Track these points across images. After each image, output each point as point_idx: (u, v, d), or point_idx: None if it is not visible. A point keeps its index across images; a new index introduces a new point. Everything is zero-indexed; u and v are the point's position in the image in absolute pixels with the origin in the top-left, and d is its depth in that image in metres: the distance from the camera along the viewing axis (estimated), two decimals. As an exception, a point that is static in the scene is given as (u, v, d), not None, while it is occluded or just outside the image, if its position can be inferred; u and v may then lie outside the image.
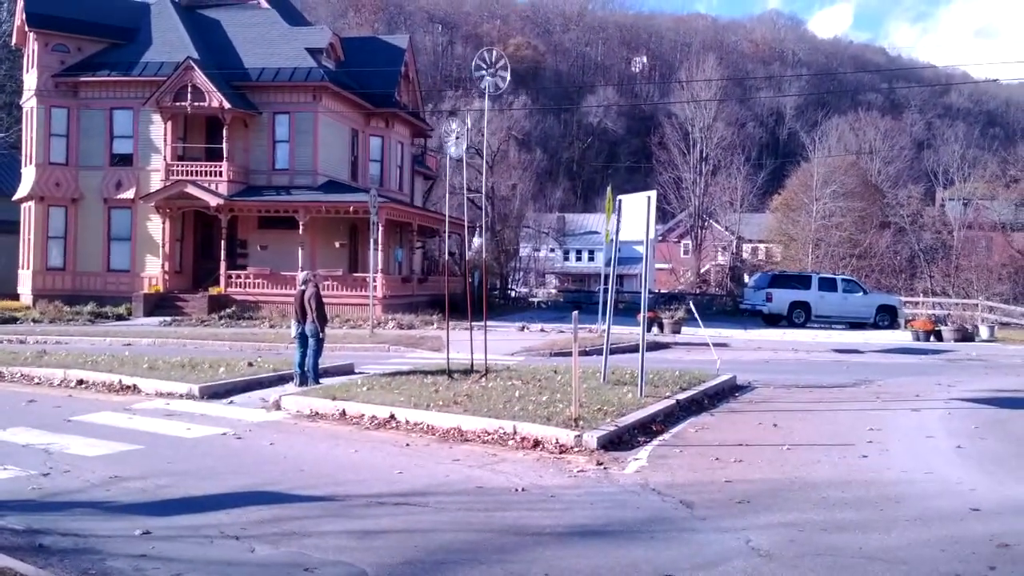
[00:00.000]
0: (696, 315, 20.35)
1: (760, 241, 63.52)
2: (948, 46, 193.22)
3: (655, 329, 26.21)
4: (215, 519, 6.58)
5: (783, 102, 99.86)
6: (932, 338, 26.23)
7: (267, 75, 32.04)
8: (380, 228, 28.12)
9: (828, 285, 32.50)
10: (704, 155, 59.65)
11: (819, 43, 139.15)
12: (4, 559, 5.39)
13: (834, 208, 52.13)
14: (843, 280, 33.69)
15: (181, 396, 12.60)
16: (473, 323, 16.04)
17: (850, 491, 7.58)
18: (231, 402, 12.37)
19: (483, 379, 13.08)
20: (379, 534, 6.32)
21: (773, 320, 32.10)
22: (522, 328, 27.16)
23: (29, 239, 32.33)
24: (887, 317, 32.01)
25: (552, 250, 73.54)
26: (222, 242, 30.59)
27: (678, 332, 26.31)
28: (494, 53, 14.49)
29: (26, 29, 32.40)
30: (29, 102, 32.90)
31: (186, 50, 31.59)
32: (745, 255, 64.21)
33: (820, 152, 57.29)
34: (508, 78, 14.53)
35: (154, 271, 31.62)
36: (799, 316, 31.83)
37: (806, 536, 6.24)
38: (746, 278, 46.67)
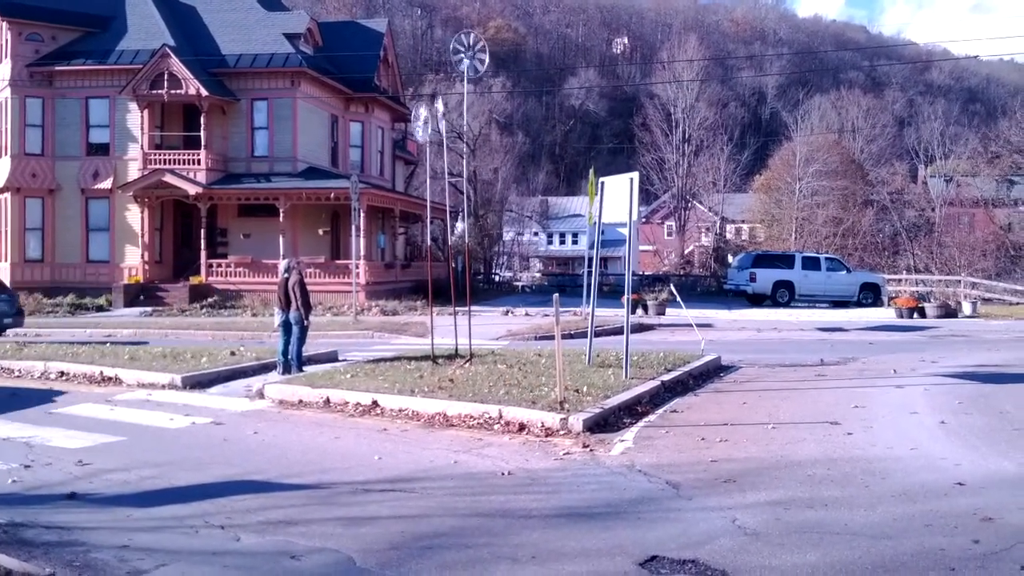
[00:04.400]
0: (678, 297, 20.41)
1: (744, 221, 63.53)
2: (944, 24, 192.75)
3: (640, 311, 26.27)
4: (200, 509, 6.53)
5: (765, 82, 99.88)
6: (915, 315, 26.39)
7: (244, 61, 31.70)
8: (362, 214, 27.97)
9: (811, 264, 32.65)
10: (687, 136, 59.59)
11: (800, 22, 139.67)
12: (-14, 554, 5.32)
13: (817, 187, 52.21)
14: (826, 259, 33.83)
15: (163, 386, 12.51)
16: (457, 308, 16.01)
17: (835, 468, 7.61)
18: (214, 392, 12.28)
19: (468, 364, 13.05)
20: (366, 520, 6.29)
21: (757, 300, 32.22)
22: (506, 312, 27.15)
23: (6, 231, 31.93)
24: (871, 295, 32.19)
25: (536, 234, 73.34)
26: (202, 231, 30.36)
27: (663, 313, 26.39)
28: (471, 36, 14.39)
29: (-2, 18, 31.90)
30: (3, 92, 32.37)
31: (162, 37, 31.21)
32: (729, 235, 64.25)
33: (802, 131, 57.37)
34: (487, 61, 14.48)
35: (134, 261, 31.34)
36: (783, 295, 31.96)
37: (792, 514, 6.25)
38: (730, 258, 46.73)
